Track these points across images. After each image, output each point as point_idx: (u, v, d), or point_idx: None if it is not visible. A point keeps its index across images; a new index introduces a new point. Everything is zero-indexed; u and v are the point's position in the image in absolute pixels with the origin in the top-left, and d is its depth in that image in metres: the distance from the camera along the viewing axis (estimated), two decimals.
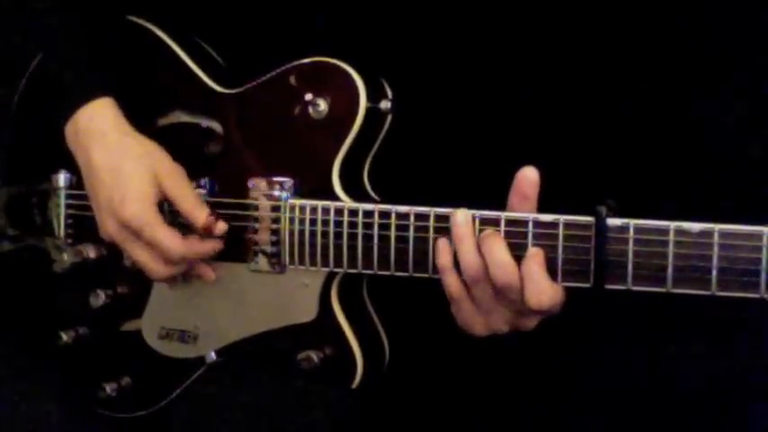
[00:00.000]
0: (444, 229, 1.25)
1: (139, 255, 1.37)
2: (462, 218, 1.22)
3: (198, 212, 1.36)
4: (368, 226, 1.30)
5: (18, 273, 1.57)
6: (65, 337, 1.52)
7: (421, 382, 1.46)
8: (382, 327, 1.40)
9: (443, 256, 1.23)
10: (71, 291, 1.52)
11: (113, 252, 1.47)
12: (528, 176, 1.20)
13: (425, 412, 1.46)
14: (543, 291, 1.18)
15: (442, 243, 1.24)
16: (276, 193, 1.36)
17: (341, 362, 1.36)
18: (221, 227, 1.37)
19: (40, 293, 1.55)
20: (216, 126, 1.43)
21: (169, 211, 1.40)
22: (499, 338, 1.33)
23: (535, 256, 1.19)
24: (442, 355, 1.45)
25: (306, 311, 1.37)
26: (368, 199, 1.34)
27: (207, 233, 1.36)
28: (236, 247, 1.39)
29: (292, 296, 1.37)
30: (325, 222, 1.33)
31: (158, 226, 1.34)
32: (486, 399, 1.43)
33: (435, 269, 1.26)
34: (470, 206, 1.24)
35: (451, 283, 1.24)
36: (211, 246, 1.38)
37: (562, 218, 1.20)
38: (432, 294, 1.33)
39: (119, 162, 1.36)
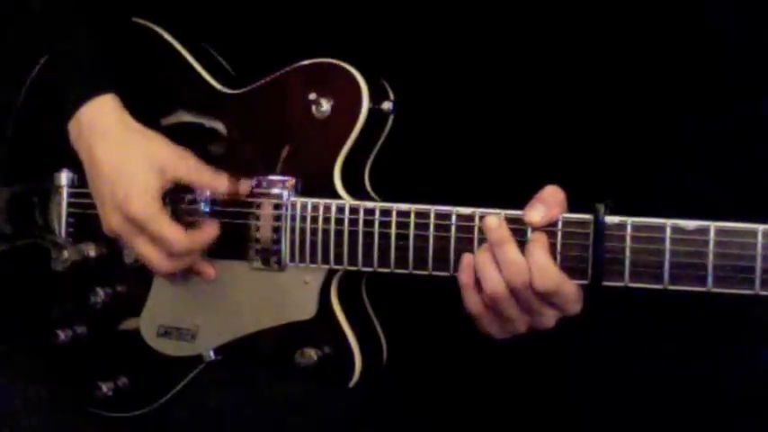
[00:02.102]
0: (443, 227, 1.27)
1: (144, 249, 1.38)
2: (495, 221, 1.23)
3: (218, 181, 1.38)
4: (368, 224, 1.31)
5: (17, 271, 1.57)
6: (62, 335, 1.53)
7: (419, 381, 1.47)
8: (380, 326, 1.42)
9: (466, 273, 1.25)
10: (70, 289, 1.52)
11: (113, 250, 1.48)
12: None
13: (424, 411, 1.47)
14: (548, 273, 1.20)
15: (467, 258, 1.25)
16: (278, 191, 1.38)
17: (339, 360, 1.37)
18: (245, 187, 1.38)
19: (39, 292, 1.56)
20: (219, 126, 1.45)
21: (171, 207, 1.41)
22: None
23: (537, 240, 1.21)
24: (440, 353, 1.46)
25: (305, 309, 1.38)
26: (368, 199, 1.36)
27: (234, 196, 1.38)
28: (237, 246, 1.41)
29: (292, 294, 1.39)
30: (326, 220, 1.34)
31: (162, 220, 1.36)
32: (485, 397, 1.44)
33: (435, 266, 1.28)
34: (470, 206, 1.26)
35: (472, 299, 1.25)
36: (212, 232, 1.39)
37: (560, 215, 1.22)
38: (430, 294, 1.35)
39: (122, 157, 1.38)
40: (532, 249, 1.21)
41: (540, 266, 1.20)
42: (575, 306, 1.23)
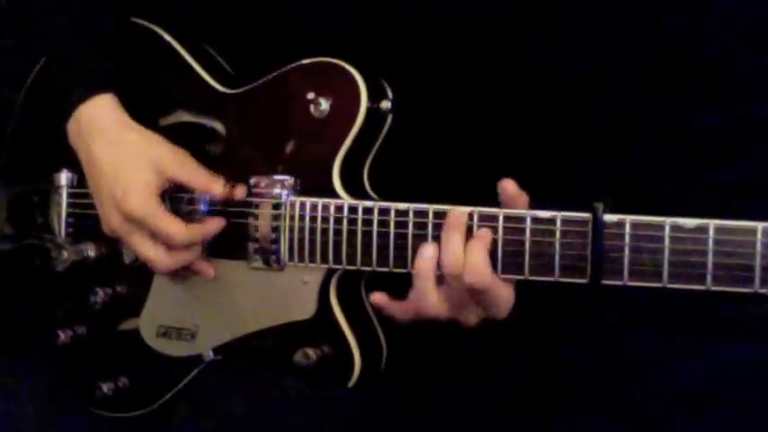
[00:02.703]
0: (442, 226, 1.27)
1: (143, 247, 1.38)
2: (463, 211, 1.24)
3: (213, 184, 1.38)
4: (367, 223, 1.31)
5: (17, 272, 1.57)
6: (62, 335, 1.53)
7: (418, 381, 1.47)
8: (380, 326, 1.41)
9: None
10: (70, 290, 1.53)
11: (113, 251, 1.48)
12: (506, 190, 1.23)
13: (423, 412, 1.47)
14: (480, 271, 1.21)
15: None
16: (277, 191, 1.38)
17: (338, 360, 1.37)
18: (240, 191, 1.38)
19: (38, 293, 1.56)
20: (218, 125, 1.45)
21: (170, 206, 1.41)
22: (498, 337, 1.34)
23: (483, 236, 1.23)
24: (440, 354, 1.45)
25: (304, 309, 1.38)
26: (367, 198, 1.36)
27: (228, 201, 1.38)
28: (236, 245, 1.40)
29: (291, 293, 1.38)
30: (325, 219, 1.34)
31: (161, 215, 1.36)
32: (484, 397, 1.44)
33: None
34: (469, 205, 1.25)
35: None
36: (214, 225, 1.39)
37: (559, 214, 1.22)
38: None
39: (120, 156, 1.38)
40: (473, 245, 1.21)
41: (474, 263, 1.21)
42: (503, 312, 1.24)
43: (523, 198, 1.23)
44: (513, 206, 1.23)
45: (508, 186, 1.23)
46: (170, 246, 1.37)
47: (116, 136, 1.39)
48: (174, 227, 1.35)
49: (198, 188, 1.39)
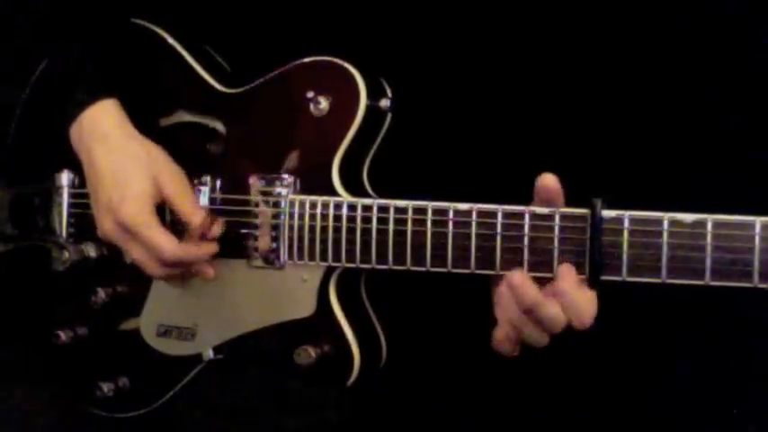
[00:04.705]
0: (441, 223, 1.27)
1: (136, 254, 1.39)
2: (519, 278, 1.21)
3: (194, 214, 1.38)
4: (366, 220, 1.31)
5: (19, 272, 1.58)
6: (63, 336, 1.53)
7: (418, 380, 1.47)
8: (380, 325, 1.41)
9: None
10: (71, 290, 1.53)
11: (114, 251, 1.48)
12: (546, 185, 1.21)
13: (422, 411, 1.47)
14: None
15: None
16: (277, 189, 1.38)
17: (337, 358, 1.37)
18: (216, 229, 1.39)
19: (40, 293, 1.56)
20: (218, 125, 1.45)
21: (170, 214, 1.42)
22: None
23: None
24: (440, 353, 1.45)
25: (304, 307, 1.38)
26: (367, 197, 1.36)
27: (203, 233, 1.38)
28: (236, 244, 1.41)
29: (290, 292, 1.38)
30: (324, 217, 1.34)
31: (154, 227, 1.36)
32: (484, 397, 1.44)
33: (433, 263, 1.27)
34: (468, 202, 1.26)
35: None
36: (207, 250, 1.40)
37: (558, 210, 1.22)
38: (429, 293, 1.34)
39: (120, 163, 1.38)
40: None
41: (577, 309, 1.19)
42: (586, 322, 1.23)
43: (561, 197, 1.21)
44: (549, 203, 1.21)
45: (549, 181, 1.21)
46: (160, 259, 1.37)
47: (117, 143, 1.39)
48: (164, 242, 1.36)
49: (180, 213, 1.39)
